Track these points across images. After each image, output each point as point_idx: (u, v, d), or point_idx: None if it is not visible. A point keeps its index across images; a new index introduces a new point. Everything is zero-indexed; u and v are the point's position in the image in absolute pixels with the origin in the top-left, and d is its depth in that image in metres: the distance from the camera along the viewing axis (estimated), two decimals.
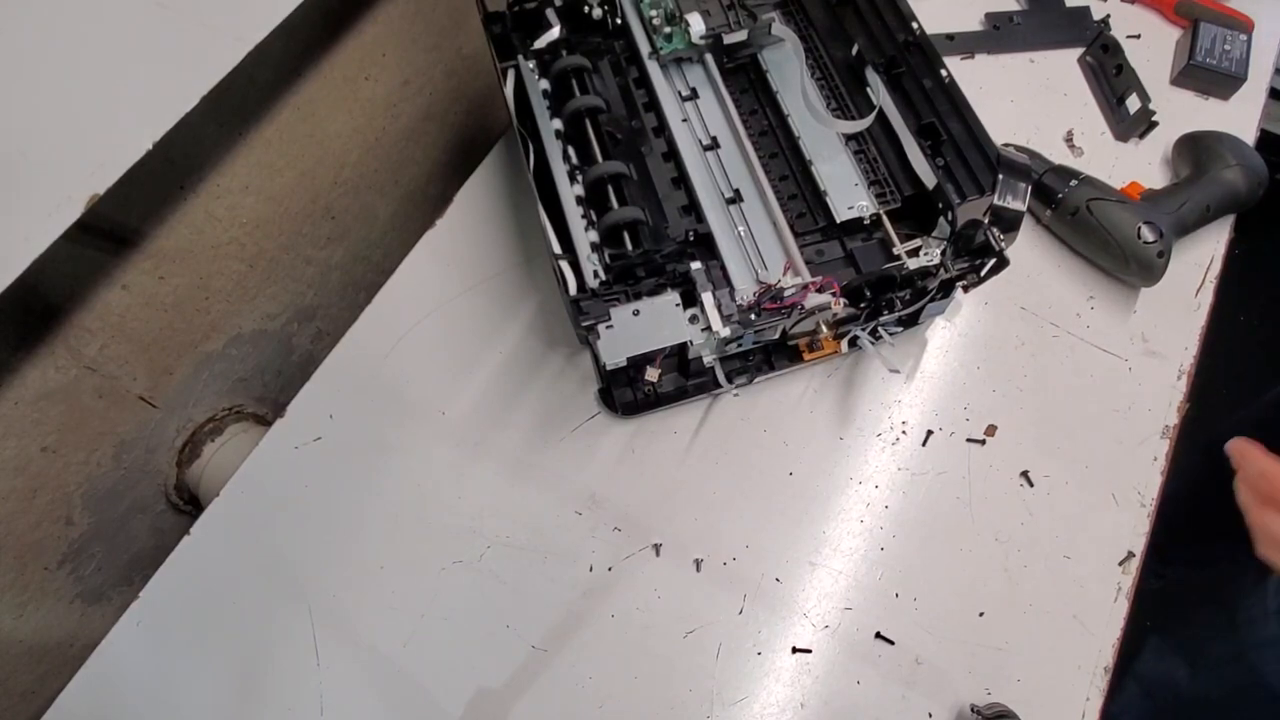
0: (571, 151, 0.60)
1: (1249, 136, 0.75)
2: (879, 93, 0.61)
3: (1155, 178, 0.74)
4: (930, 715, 0.56)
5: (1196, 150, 0.72)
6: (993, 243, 0.56)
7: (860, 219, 0.58)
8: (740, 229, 0.58)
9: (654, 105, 0.63)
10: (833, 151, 0.61)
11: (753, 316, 0.54)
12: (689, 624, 0.58)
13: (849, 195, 0.59)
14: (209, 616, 0.59)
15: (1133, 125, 0.75)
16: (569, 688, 0.56)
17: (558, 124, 0.60)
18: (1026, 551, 0.60)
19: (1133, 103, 0.75)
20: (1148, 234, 0.65)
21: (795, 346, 0.64)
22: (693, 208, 0.59)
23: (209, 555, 0.61)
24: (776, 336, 0.59)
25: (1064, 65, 0.80)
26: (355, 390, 0.66)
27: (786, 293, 0.54)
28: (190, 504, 0.70)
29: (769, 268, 0.56)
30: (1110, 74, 0.77)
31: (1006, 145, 0.54)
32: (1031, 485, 0.62)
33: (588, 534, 0.61)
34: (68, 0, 0.39)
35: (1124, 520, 0.61)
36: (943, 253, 0.56)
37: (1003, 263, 0.57)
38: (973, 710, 0.55)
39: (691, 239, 0.58)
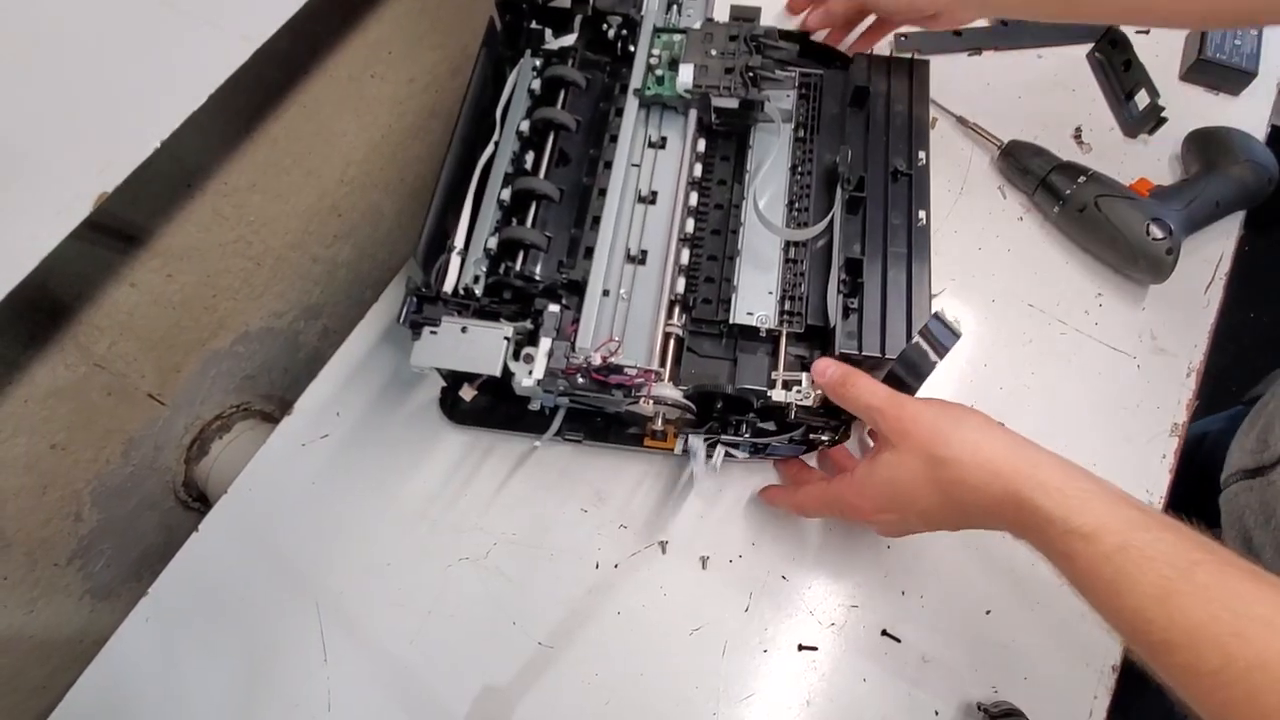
0: (527, 156, 0.61)
1: (1259, 132, 0.74)
2: (836, 211, 0.58)
3: (1164, 174, 0.73)
4: (937, 713, 0.56)
5: (1206, 146, 0.71)
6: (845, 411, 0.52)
7: (758, 329, 0.56)
8: (624, 290, 0.56)
9: (616, 141, 0.61)
10: (768, 253, 0.58)
11: (566, 380, 0.52)
12: (695, 621, 0.58)
13: (755, 301, 0.56)
14: (217, 613, 0.60)
15: (1141, 121, 0.74)
16: (575, 685, 0.57)
17: (525, 125, 0.61)
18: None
19: (1141, 98, 0.74)
20: (1156, 231, 0.64)
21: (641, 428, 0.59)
22: (588, 252, 0.57)
23: (217, 552, 0.61)
24: (623, 406, 0.54)
25: (1072, 61, 0.80)
26: (362, 387, 0.66)
27: (611, 373, 0.51)
28: (198, 501, 0.70)
29: (618, 339, 0.53)
30: (1119, 69, 0.77)
31: (940, 315, 0.49)
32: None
33: (594, 531, 0.61)
34: (75, 0, 0.39)
35: None
36: (813, 399, 0.52)
37: (842, 437, 0.54)
38: (979, 708, 0.55)
39: (564, 281, 0.56)
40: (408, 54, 0.69)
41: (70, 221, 0.40)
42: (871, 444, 0.60)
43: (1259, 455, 0.59)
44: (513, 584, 0.59)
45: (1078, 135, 0.75)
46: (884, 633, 0.58)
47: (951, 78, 0.78)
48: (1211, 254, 0.71)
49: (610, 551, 0.60)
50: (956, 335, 0.48)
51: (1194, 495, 0.64)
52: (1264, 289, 1.51)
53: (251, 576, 0.60)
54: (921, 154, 0.60)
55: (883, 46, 0.73)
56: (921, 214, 0.58)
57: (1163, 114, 0.73)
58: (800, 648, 0.57)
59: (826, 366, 0.52)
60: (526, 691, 0.56)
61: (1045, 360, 0.66)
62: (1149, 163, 0.74)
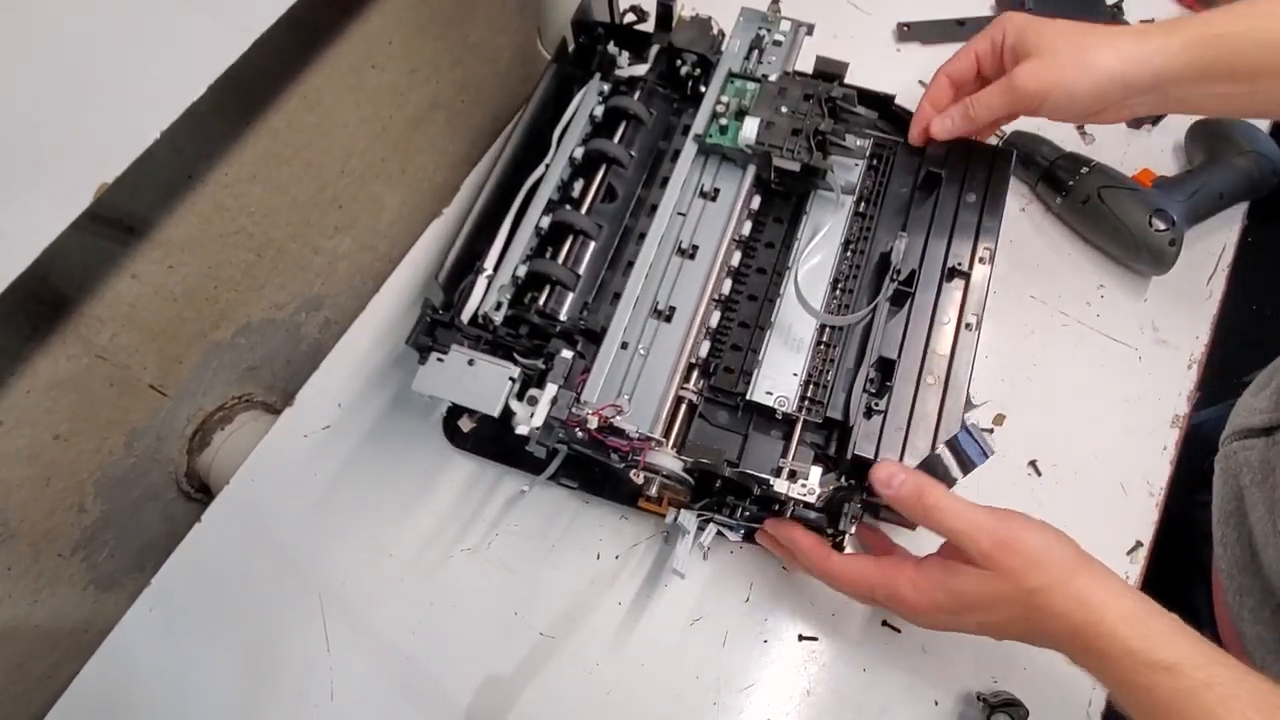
0: (575, 184, 0.59)
1: (1263, 123, 0.74)
2: (881, 304, 0.54)
3: (1168, 165, 0.73)
4: (936, 703, 0.56)
5: (1209, 137, 0.71)
6: (842, 522, 0.49)
7: (774, 410, 0.53)
8: (643, 346, 0.53)
9: (666, 185, 0.58)
10: (800, 331, 0.54)
11: (565, 432, 0.50)
12: (696, 612, 0.58)
13: (777, 380, 0.53)
14: (220, 603, 0.60)
15: None
16: (576, 675, 0.57)
17: (579, 151, 0.59)
18: None
19: None
20: (1159, 222, 0.64)
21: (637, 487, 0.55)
22: (615, 298, 0.55)
23: (219, 542, 0.61)
24: (618, 467, 0.52)
25: None
26: (363, 379, 0.66)
27: (610, 434, 0.49)
28: (201, 492, 0.70)
29: (621, 404, 0.50)
30: None
31: (971, 427, 0.46)
32: (1040, 474, 0.62)
33: (595, 522, 0.61)
34: None
35: (1132, 510, 0.61)
36: (818, 497, 0.49)
37: (835, 548, 0.51)
38: (979, 698, 0.55)
39: (583, 327, 0.54)
40: (409, 44, 0.69)
41: (71, 213, 0.40)
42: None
43: (1270, 415, 0.58)
44: (514, 574, 0.60)
45: (1080, 126, 0.75)
46: (884, 623, 0.58)
47: None
48: (1214, 245, 0.70)
49: (611, 542, 0.60)
50: (986, 454, 0.45)
51: (1188, 482, 0.64)
52: (1267, 281, 1.50)
53: (254, 567, 0.61)
54: (986, 252, 0.55)
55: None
56: (972, 318, 0.54)
57: None
58: (800, 638, 0.58)
59: (894, 474, 0.46)
60: (528, 681, 0.57)
61: (1047, 352, 0.66)
62: (1152, 154, 0.74)
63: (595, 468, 0.57)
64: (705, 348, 0.55)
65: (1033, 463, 0.62)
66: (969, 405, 0.52)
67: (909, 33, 0.78)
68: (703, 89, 0.61)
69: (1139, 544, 0.60)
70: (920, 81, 0.76)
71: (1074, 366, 0.66)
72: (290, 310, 0.72)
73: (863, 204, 0.60)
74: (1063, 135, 0.73)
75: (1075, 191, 0.67)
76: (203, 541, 0.61)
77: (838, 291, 0.57)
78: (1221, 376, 0.70)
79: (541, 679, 0.57)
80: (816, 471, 0.49)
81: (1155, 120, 0.74)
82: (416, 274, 0.70)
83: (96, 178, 0.41)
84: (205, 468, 0.68)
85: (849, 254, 0.58)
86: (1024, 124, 0.73)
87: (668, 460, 0.50)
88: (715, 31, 0.63)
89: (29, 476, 0.55)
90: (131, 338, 0.58)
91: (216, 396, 0.69)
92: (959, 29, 0.79)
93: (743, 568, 0.59)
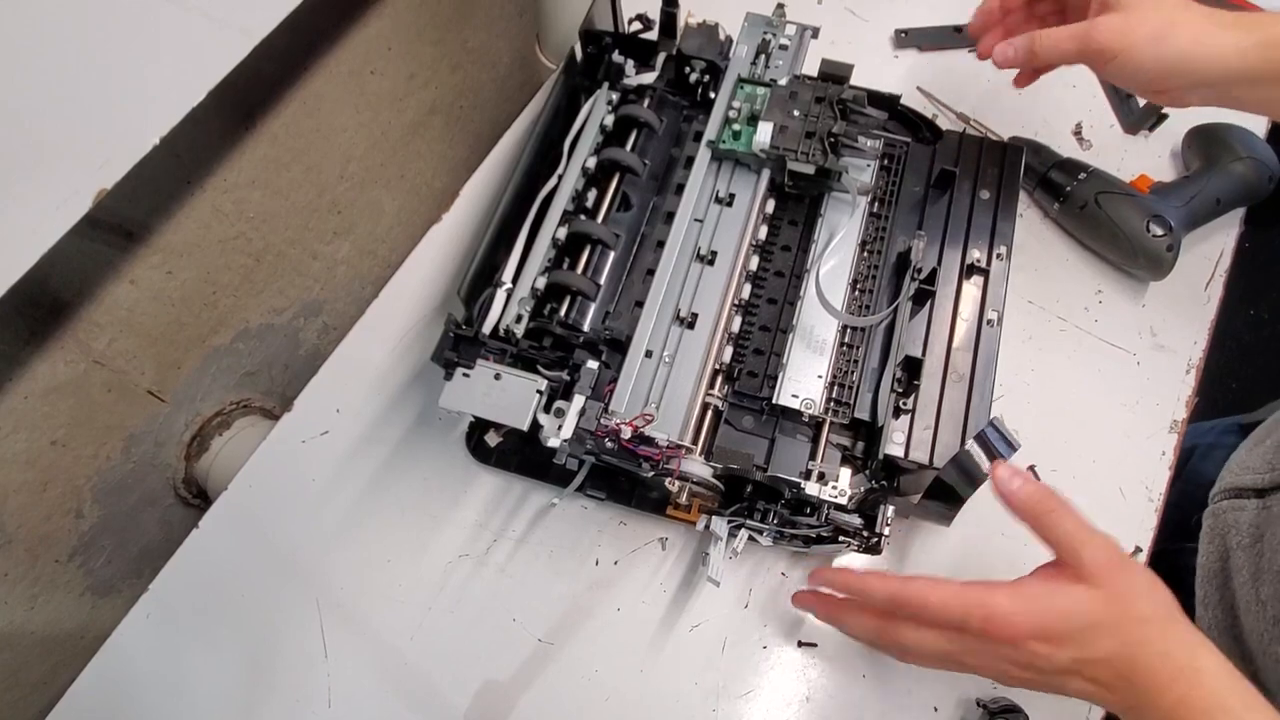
0: (589, 194, 0.59)
1: (1260, 128, 0.74)
2: (903, 303, 0.54)
3: (1165, 171, 0.73)
4: (936, 709, 0.56)
5: (1206, 143, 0.71)
6: (879, 524, 0.49)
7: (801, 413, 0.53)
8: (668, 353, 0.53)
9: (681, 192, 0.58)
10: (822, 333, 0.55)
11: (595, 442, 0.49)
12: (694, 618, 0.58)
13: (802, 383, 0.53)
14: (218, 609, 0.60)
15: (1142, 118, 0.74)
16: (575, 681, 0.57)
17: (591, 161, 0.59)
18: (1033, 546, 0.60)
19: None
20: (1156, 227, 0.64)
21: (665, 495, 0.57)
22: (637, 305, 0.55)
23: (217, 548, 0.61)
24: (648, 475, 0.51)
25: None
26: (362, 385, 0.66)
27: (641, 443, 0.49)
28: (199, 497, 0.70)
29: (653, 404, 0.50)
30: None
31: (997, 423, 0.45)
32: (1038, 479, 0.62)
33: (594, 528, 0.61)
34: None
35: (1131, 515, 0.61)
36: (849, 499, 0.50)
37: (871, 550, 0.52)
38: (979, 705, 0.55)
39: (607, 337, 0.54)
40: (408, 49, 0.69)
41: (70, 218, 0.40)
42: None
43: (1265, 475, 0.57)
44: (513, 580, 0.59)
45: (1078, 132, 0.75)
46: None
47: (952, 74, 0.78)
48: (1212, 251, 0.71)
49: (610, 548, 0.60)
50: (1014, 447, 0.45)
51: (1174, 528, 0.63)
52: (1264, 286, 1.51)
53: (252, 573, 0.60)
54: (1003, 248, 0.56)
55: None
56: (993, 314, 0.55)
57: (1163, 110, 0.73)
58: (800, 644, 0.58)
59: (1015, 474, 0.44)
60: (526, 687, 0.57)
61: (1045, 357, 0.66)
62: (1149, 159, 0.74)
63: (622, 477, 0.57)
64: (729, 353, 0.55)
65: (1031, 467, 0.62)
66: None
67: (906, 39, 0.79)
68: (712, 95, 0.62)
69: (1138, 549, 0.60)
70: (919, 88, 0.76)
71: (1072, 371, 0.66)
72: (289, 315, 0.73)
73: (877, 204, 0.61)
74: (1060, 141, 0.73)
75: (1073, 197, 0.68)
76: (200, 547, 0.61)
77: (856, 292, 0.58)
78: (1219, 381, 0.70)
79: (539, 685, 0.57)
80: (846, 473, 0.50)
81: (1153, 125, 0.74)
82: (415, 279, 0.70)
83: (95, 183, 0.41)
84: (203, 473, 0.68)
85: (866, 254, 0.59)
86: (1022, 129, 0.73)
87: (698, 467, 0.50)
88: (723, 38, 0.63)
89: (26, 482, 0.55)
90: (129, 343, 0.58)
91: (214, 402, 0.69)
92: (956, 36, 0.79)
93: (741, 573, 0.59)
